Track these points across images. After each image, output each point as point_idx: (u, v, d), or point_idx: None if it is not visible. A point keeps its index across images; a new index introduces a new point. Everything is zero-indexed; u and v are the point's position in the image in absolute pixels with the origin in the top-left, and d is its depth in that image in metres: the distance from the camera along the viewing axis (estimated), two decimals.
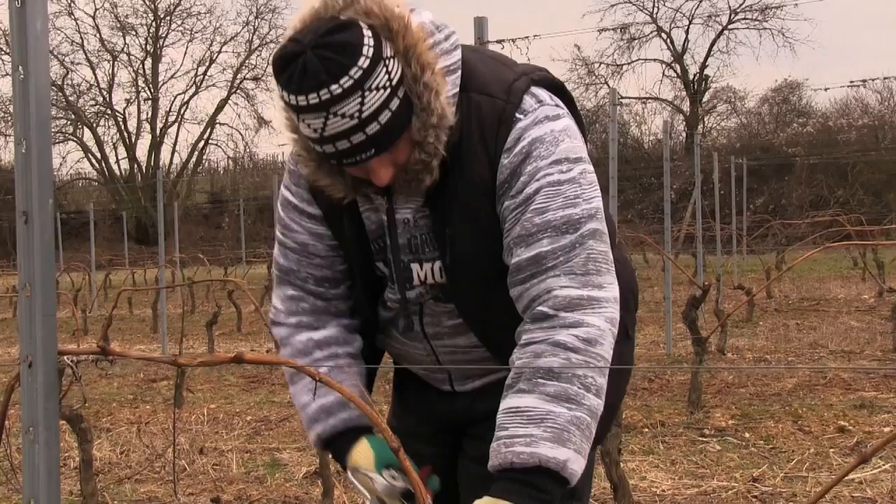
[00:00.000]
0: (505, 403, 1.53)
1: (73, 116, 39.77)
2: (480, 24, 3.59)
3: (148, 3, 39.16)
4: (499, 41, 3.62)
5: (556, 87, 1.68)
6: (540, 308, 1.53)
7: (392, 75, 1.48)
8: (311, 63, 1.44)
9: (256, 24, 40.28)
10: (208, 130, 41.03)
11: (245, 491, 4.57)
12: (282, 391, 7.27)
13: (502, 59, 1.73)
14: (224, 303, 11.54)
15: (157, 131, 40.88)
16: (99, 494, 4.48)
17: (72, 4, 38.73)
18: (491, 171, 1.59)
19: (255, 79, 40.13)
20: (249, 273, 19.76)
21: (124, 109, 40.81)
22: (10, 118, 38.11)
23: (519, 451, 1.46)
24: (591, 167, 1.62)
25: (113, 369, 8.49)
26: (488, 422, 1.57)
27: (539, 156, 1.56)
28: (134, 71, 40.51)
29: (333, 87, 1.44)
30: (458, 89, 1.58)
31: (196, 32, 40.57)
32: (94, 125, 40.30)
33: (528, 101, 1.60)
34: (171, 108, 41.13)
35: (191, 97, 40.89)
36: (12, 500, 4.65)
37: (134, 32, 40.03)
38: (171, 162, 41.71)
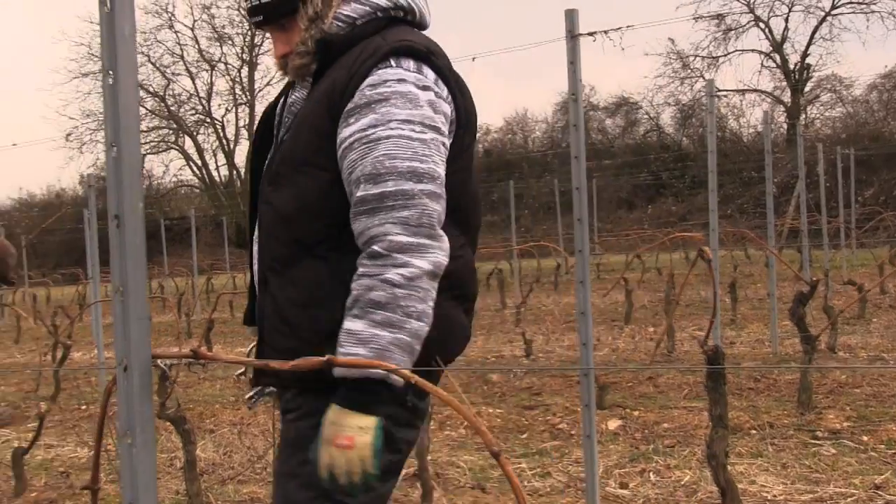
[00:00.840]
0: (343, 325, 1.73)
1: (174, 126, 41.08)
2: (571, 15, 3.49)
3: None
4: (590, 33, 3.50)
5: (444, 76, 1.83)
6: (375, 247, 1.71)
7: None
8: None
9: None
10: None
11: None
12: None
13: (428, 40, 1.89)
14: None
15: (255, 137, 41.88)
16: (203, 495, 4.56)
17: (172, 18, 39.99)
18: (344, 87, 1.78)
19: None
20: None
21: (223, 117, 42.05)
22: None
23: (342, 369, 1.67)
24: (446, 142, 1.79)
25: (215, 371, 8.68)
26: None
27: (396, 106, 1.73)
28: (231, 79, 41.69)
29: None
30: (355, 15, 1.85)
31: None
32: (195, 133, 41.59)
33: (408, 63, 1.78)
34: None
35: None
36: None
37: (230, 42, 41.20)
38: None
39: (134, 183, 1.53)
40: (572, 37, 3.44)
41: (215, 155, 42.50)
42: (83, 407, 7.72)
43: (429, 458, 4.12)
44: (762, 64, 36.13)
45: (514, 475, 1.37)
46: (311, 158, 1.83)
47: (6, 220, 32.23)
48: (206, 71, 41.67)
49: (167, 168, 60.96)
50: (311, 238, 1.85)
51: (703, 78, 34.49)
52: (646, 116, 40.45)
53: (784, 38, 35.36)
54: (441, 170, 1.76)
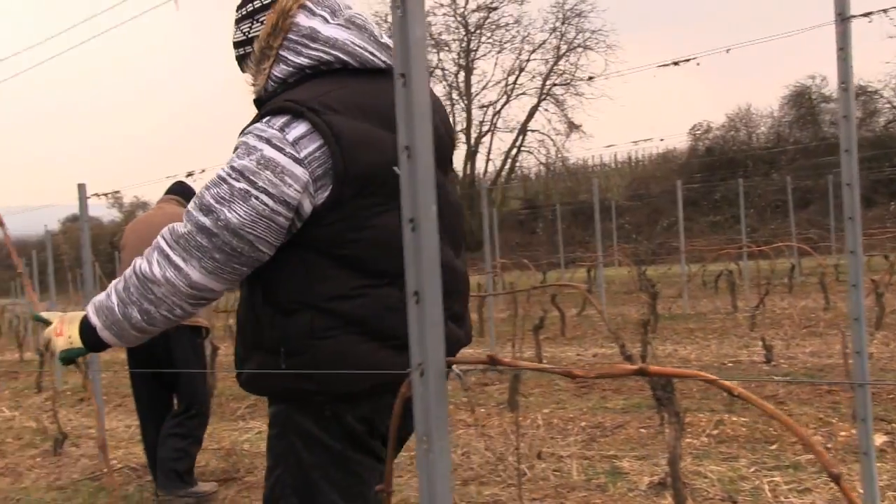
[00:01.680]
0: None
1: None
2: None
3: (459, 19, 40.95)
4: (865, 14, 3.21)
5: (324, 132, 1.97)
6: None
7: (252, 30, 2.17)
8: None
9: (563, 29, 40.68)
10: (520, 138, 42.09)
11: (588, 499, 4.49)
12: (614, 397, 7.14)
13: (324, 96, 2.03)
14: (547, 307, 11.61)
15: (472, 141, 42.62)
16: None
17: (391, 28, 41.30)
18: None
19: (565, 84, 40.50)
20: (568, 277, 19.90)
21: None
22: None
23: (93, 300, 2.10)
24: (265, 198, 1.93)
25: None
26: None
27: (236, 155, 1.98)
28: (448, 84, 42.61)
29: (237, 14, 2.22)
30: (281, 76, 2.11)
31: (505, 43, 41.81)
32: None
33: (278, 119, 1.98)
34: (483, 117, 42.72)
35: (502, 106, 42.22)
36: None
37: (447, 48, 42.10)
38: (485, 170, 43.36)
39: (427, 186, 1.52)
40: (843, 19, 3.17)
41: None
42: None
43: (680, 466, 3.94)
44: None
45: (857, 501, 1.23)
46: None
47: None
48: None
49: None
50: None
51: None
52: (888, 105, 37.42)
53: None
54: (232, 216, 1.93)
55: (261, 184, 1.93)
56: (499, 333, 10.69)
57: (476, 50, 41.91)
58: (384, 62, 2.15)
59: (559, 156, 42.91)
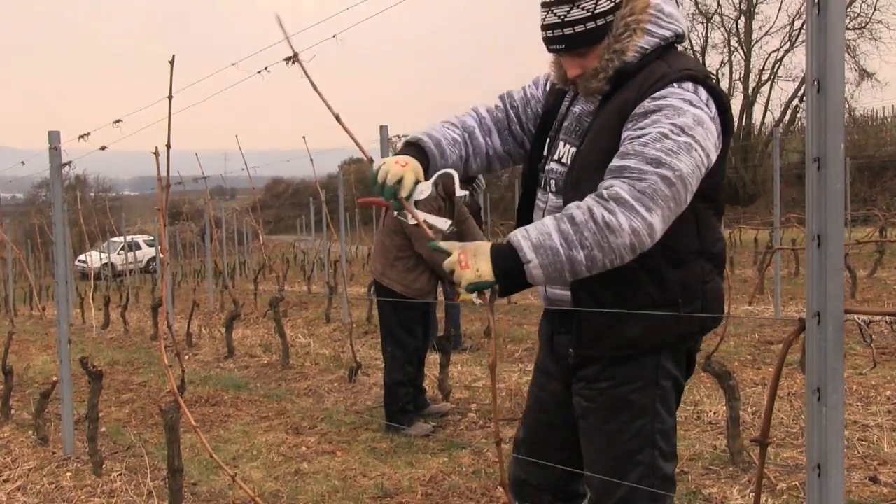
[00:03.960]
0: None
1: None
2: None
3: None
4: None
5: (717, 96, 2.15)
6: (600, 190, 2.03)
7: (599, 6, 2.16)
8: None
9: None
10: (803, 87, 39.30)
11: None
12: None
13: (702, 67, 2.26)
14: None
15: (750, 90, 40.36)
16: (745, 453, 4.47)
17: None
18: (633, 104, 2.14)
19: (860, 28, 37.17)
20: (853, 237, 18.45)
21: (717, 70, 41.08)
22: None
23: (514, 238, 2.04)
24: (700, 151, 2.06)
25: (728, 328, 8.52)
26: (586, 378, 2.35)
27: (666, 115, 2.07)
28: (727, 31, 40.48)
29: None
30: (648, 47, 2.19)
31: None
32: None
33: (688, 84, 2.12)
34: (764, 65, 40.28)
35: (785, 53, 39.54)
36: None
37: None
38: (762, 121, 40.97)
39: (837, 124, 1.42)
40: None
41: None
42: None
43: None
44: None
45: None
46: (608, 164, 2.13)
47: None
48: (702, 24, 41.02)
49: None
50: None
51: None
52: None
53: None
54: (683, 165, 2.01)
55: (698, 137, 2.06)
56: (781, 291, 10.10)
57: None
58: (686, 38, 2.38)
59: (847, 107, 39.60)
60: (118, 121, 5.21)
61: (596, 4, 2.16)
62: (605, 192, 2.00)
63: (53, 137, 5.46)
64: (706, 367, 4.44)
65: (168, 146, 3.13)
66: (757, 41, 40.06)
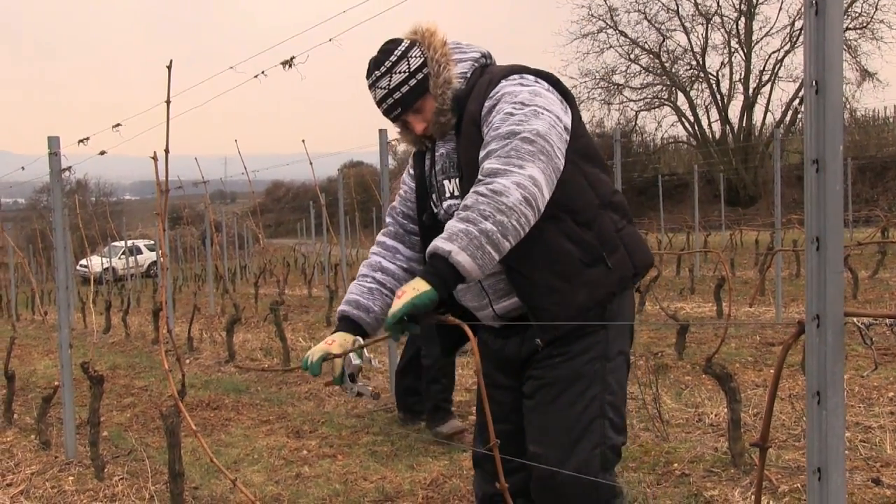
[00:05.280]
0: None
1: (668, 82, 41.17)
2: None
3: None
4: None
5: (544, 75, 2.46)
6: (477, 178, 2.24)
7: (411, 65, 2.49)
8: (371, 61, 2.55)
9: None
10: (803, 88, 39.15)
11: None
12: None
13: (517, 66, 2.51)
14: None
15: (750, 91, 40.32)
16: (746, 455, 4.46)
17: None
18: (479, 111, 2.41)
19: (860, 28, 37.10)
20: (855, 238, 18.43)
21: (717, 71, 41.07)
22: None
23: (430, 248, 2.18)
24: (549, 113, 2.31)
25: (729, 330, 8.52)
26: (538, 361, 2.50)
27: (506, 101, 2.35)
28: (727, 32, 40.43)
29: (376, 72, 2.53)
30: (466, 70, 2.52)
31: None
32: (688, 89, 41.21)
33: (513, 76, 2.43)
34: (764, 66, 40.24)
35: (785, 54, 39.48)
36: (663, 448, 4.87)
37: None
38: (763, 122, 40.93)
39: (836, 126, 1.41)
40: None
41: (708, 110, 41.79)
42: None
43: None
44: None
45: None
46: None
47: None
48: (702, 25, 40.97)
49: (659, 124, 61.39)
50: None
51: None
52: None
53: None
54: (536, 125, 2.25)
55: (541, 104, 2.31)
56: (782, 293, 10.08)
57: None
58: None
59: (848, 107, 39.54)
60: (118, 125, 5.21)
61: (409, 64, 2.48)
62: (480, 176, 2.22)
63: (53, 143, 5.45)
64: (707, 369, 4.44)
65: (167, 150, 3.13)
66: (757, 42, 40.09)
